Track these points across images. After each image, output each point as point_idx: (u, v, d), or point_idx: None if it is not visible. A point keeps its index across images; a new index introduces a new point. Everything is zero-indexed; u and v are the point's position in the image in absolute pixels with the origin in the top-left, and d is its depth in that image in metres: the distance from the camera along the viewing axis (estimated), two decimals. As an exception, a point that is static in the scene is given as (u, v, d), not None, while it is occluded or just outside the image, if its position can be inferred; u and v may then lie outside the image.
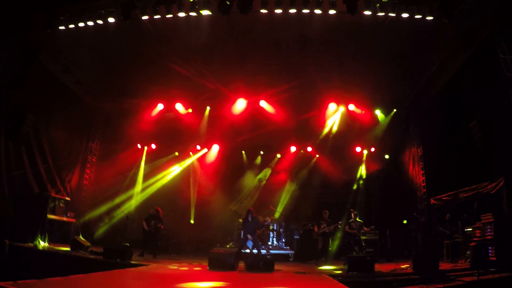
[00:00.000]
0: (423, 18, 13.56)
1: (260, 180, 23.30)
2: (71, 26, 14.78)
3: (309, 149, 23.00)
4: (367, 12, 13.60)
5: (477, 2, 13.15)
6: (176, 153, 22.91)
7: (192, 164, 23.13)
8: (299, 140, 22.70)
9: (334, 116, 21.36)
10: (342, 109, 21.14)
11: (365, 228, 16.07)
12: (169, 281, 9.08)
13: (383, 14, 13.63)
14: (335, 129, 21.39)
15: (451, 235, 15.71)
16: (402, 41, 16.08)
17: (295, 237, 20.65)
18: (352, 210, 16.48)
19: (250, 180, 23.11)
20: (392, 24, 14.47)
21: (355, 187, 22.14)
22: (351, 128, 21.28)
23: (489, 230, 12.69)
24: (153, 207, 16.94)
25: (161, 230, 16.87)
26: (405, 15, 13.48)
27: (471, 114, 14.94)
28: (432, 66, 17.51)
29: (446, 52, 16.30)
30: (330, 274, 11.78)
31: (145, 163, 22.75)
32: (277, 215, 20.62)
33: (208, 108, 22.03)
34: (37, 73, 16.46)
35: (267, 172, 23.37)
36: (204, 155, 23.30)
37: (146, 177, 22.38)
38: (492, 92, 14.02)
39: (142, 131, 21.88)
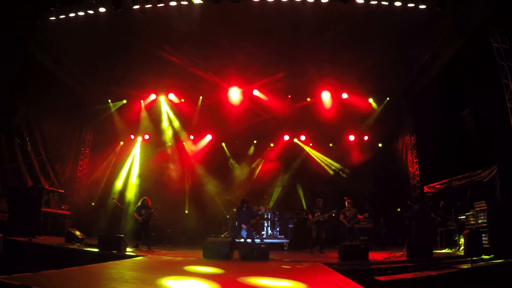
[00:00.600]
0: (416, 6, 13.54)
1: (253, 169, 23.28)
2: (62, 16, 14.70)
3: (303, 137, 23.00)
4: (360, 1, 13.56)
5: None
6: (169, 143, 22.83)
7: (185, 154, 23.05)
8: (293, 129, 22.72)
9: (327, 105, 21.32)
10: (335, 97, 21.14)
11: (359, 216, 16.10)
12: (164, 272, 9.08)
13: (376, 2, 13.59)
14: (328, 117, 21.36)
15: (443, 222, 15.80)
16: (395, 30, 16.04)
17: (289, 225, 20.73)
18: (346, 198, 16.50)
19: (244, 170, 23.08)
20: (385, 12, 14.42)
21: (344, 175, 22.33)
22: (344, 117, 21.30)
23: (482, 217, 12.82)
24: (144, 197, 16.86)
25: (154, 218, 16.77)
26: (398, 3, 13.46)
27: (464, 103, 14.99)
28: (425, 55, 17.52)
29: (439, 41, 16.30)
30: (324, 262, 11.84)
31: (139, 154, 22.68)
32: (271, 204, 20.66)
33: (201, 97, 21.97)
34: (27, 64, 16.31)
35: (260, 161, 23.34)
36: (197, 145, 23.21)
37: (140, 167, 22.34)
38: (485, 80, 14.06)
39: (135, 121, 21.90)
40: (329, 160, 22.51)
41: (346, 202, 16.28)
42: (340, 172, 22.34)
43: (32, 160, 17.41)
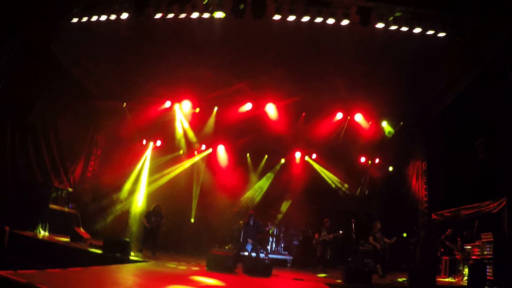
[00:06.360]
0: (435, 34, 13.53)
1: (263, 184, 23.27)
2: (84, 19, 14.87)
3: (314, 156, 23.01)
4: (380, 25, 13.56)
5: (489, 21, 13.16)
6: (181, 151, 22.93)
7: (196, 163, 23.14)
8: (305, 147, 22.73)
9: (340, 125, 21.35)
10: (349, 118, 21.17)
11: (385, 240, 15.79)
12: (167, 280, 9.12)
13: (395, 27, 13.60)
14: (341, 138, 21.39)
15: (448, 251, 15.67)
16: (412, 56, 16.04)
17: (294, 242, 20.65)
18: (377, 222, 16.23)
19: (253, 183, 23.10)
20: (403, 38, 14.44)
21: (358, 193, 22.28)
22: (357, 138, 21.33)
23: (488, 249, 12.73)
24: (155, 203, 16.94)
25: (162, 227, 16.82)
26: (417, 30, 13.45)
27: (478, 132, 14.95)
28: (441, 82, 17.50)
29: (456, 70, 16.30)
30: (326, 282, 11.81)
31: (150, 160, 22.79)
32: (277, 219, 20.62)
33: (216, 108, 22.05)
34: (47, 64, 16.58)
35: (270, 176, 23.34)
36: (208, 155, 23.31)
37: (150, 173, 22.43)
38: (499, 111, 14.00)
39: (148, 126, 22.02)
40: (338, 180, 22.47)
41: (377, 224, 16.04)
42: (347, 192, 22.29)
43: (44, 157, 17.56)
